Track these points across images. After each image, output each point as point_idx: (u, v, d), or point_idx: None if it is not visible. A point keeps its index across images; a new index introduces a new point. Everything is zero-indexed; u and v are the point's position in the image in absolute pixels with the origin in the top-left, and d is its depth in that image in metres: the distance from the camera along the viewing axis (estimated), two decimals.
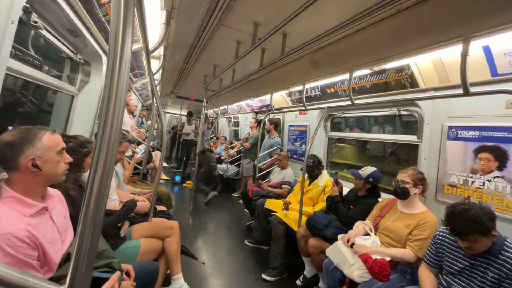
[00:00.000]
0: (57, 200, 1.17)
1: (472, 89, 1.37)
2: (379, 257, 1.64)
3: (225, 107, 6.16)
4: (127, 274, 1.27)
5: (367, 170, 2.18)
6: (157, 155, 3.94)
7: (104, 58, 2.32)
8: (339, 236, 1.91)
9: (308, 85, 3.04)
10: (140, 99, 5.71)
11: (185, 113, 9.88)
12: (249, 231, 3.45)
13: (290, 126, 4.09)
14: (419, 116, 2.17)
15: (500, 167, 1.66)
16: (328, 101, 3.01)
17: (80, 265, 0.44)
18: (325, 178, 2.84)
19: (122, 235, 1.63)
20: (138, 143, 4.10)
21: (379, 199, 2.17)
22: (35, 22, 1.42)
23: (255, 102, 5.01)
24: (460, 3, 1.20)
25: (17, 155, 0.96)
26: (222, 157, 5.96)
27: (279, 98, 3.95)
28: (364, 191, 2.23)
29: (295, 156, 3.89)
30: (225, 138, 6.78)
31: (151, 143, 4.75)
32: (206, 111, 8.39)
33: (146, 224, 1.85)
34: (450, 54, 1.71)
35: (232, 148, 6.00)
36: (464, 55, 1.30)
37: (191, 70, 3.67)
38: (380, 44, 1.63)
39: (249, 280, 2.37)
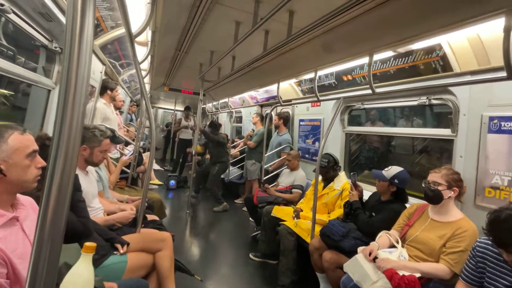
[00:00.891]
0: (29, 209, 1.17)
1: None
2: (407, 273, 1.61)
3: (225, 100, 6.18)
4: None
5: (392, 170, 2.15)
6: (148, 157, 3.96)
7: None
8: (359, 249, 1.89)
9: (321, 72, 3.02)
10: (128, 93, 5.76)
11: (181, 108, 9.93)
12: (255, 243, 3.45)
13: (300, 120, 4.08)
14: (453, 106, 2.13)
15: None
16: (344, 90, 2.98)
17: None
18: (342, 180, 2.82)
19: (118, 254, 1.64)
20: (127, 143, 4.13)
21: (407, 205, 2.13)
22: (1, 5, 1.42)
23: (260, 94, 5.00)
24: None
25: None
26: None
27: (288, 88, 3.93)
28: (388, 195, 2.20)
29: (307, 156, 3.88)
30: (226, 136, 6.78)
31: (142, 143, 4.80)
32: (204, 105, 8.45)
33: (134, 236, 1.85)
34: (491, 30, 1.65)
35: (234, 147, 6.00)
36: (508, 30, 1.24)
37: (184, 58, 3.67)
38: (405, 21, 1.59)
39: None
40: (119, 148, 3.67)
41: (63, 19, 1.82)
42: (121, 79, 4.23)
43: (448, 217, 1.75)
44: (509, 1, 1.19)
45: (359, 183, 2.44)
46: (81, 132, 0.46)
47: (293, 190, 3.44)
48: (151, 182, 4.84)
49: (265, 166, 4.02)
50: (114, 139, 2.53)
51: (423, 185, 1.82)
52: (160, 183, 5.66)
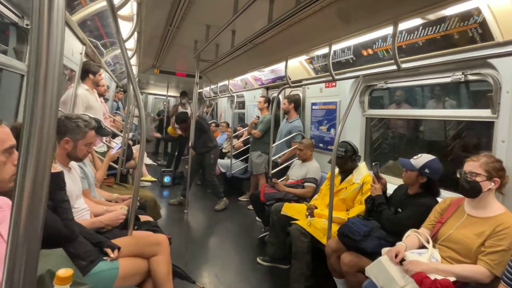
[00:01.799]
0: (6, 211, 1.18)
1: None
2: (439, 277, 1.61)
3: (225, 82, 6.17)
4: None
5: (422, 158, 2.13)
6: (138, 150, 4.00)
7: None
8: (384, 250, 1.89)
9: (337, 46, 2.98)
10: (113, 77, 5.77)
11: (174, 94, 9.91)
12: (263, 245, 3.47)
13: (313, 104, 4.06)
14: (494, 82, 2.08)
15: None
16: (364, 67, 2.95)
17: None
18: (362, 173, 2.81)
19: (108, 259, 1.66)
20: (114, 135, 4.16)
21: (439, 199, 2.12)
22: None
23: (265, 74, 4.98)
24: None
25: None
26: (224, 150, 5.98)
27: (297, 66, 3.90)
28: (417, 188, 2.18)
29: (321, 145, 3.87)
30: (227, 125, 6.78)
31: (131, 134, 4.82)
32: (200, 89, 8.43)
33: (125, 239, 1.87)
34: None
35: (237, 137, 5.99)
36: None
37: (176, 35, 3.65)
38: None
39: None
40: (106, 141, 3.69)
41: None
42: (105, 61, 4.23)
43: (487, 212, 1.74)
44: None
45: (382, 175, 2.43)
46: (55, 121, 0.45)
47: (306, 184, 3.45)
48: (142, 178, 4.89)
49: (273, 158, 4.02)
50: (100, 130, 2.55)
51: (457, 175, 1.80)
52: (154, 179, 5.72)
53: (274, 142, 4.13)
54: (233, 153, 5.43)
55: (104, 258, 1.67)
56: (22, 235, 0.43)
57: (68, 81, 3.22)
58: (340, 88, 3.54)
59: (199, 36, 3.58)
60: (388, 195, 2.40)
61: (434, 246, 1.84)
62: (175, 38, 3.79)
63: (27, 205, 0.44)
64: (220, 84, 6.58)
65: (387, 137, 3.43)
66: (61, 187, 1.53)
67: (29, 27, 2.07)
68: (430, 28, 2.20)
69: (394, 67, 2.06)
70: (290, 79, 3.53)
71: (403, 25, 2.23)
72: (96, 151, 3.20)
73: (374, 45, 2.71)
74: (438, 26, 2.14)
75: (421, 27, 2.25)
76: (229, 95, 6.49)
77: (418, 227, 1.99)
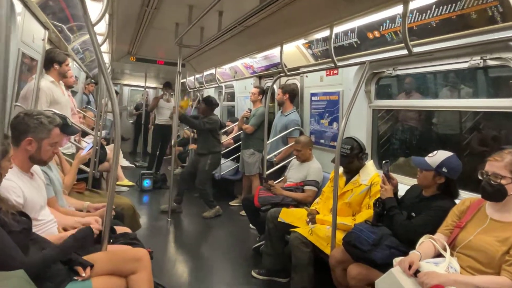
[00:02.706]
0: None
1: None
2: None
3: (212, 71, 6.13)
4: None
5: (438, 155, 2.13)
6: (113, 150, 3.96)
7: (18, 5, 2.23)
8: (396, 260, 1.88)
9: (339, 28, 2.95)
10: (82, 67, 5.68)
11: (153, 85, 9.83)
12: (258, 256, 3.45)
13: (312, 94, 4.06)
14: None
15: None
16: (370, 52, 2.95)
17: None
18: (370, 172, 2.81)
19: (78, 279, 1.63)
20: (84, 134, 4.09)
21: (457, 201, 2.12)
22: None
23: (258, 61, 4.95)
24: None
25: None
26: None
27: (294, 52, 3.89)
28: (433, 189, 2.19)
29: (322, 141, 3.87)
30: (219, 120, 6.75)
31: (104, 132, 4.75)
32: (183, 79, 8.37)
33: (99, 255, 1.83)
34: None
35: (226, 134, 5.96)
36: None
37: (154, 17, 3.62)
38: None
39: None
40: (75, 141, 3.63)
41: None
42: (72, 48, 4.14)
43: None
44: None
45: (392, 175, 2.42)
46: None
47: (306, 187, 3.44)
48: (118, 183, 4.83)
49: (268, 157, 4.00)
50: (67, 128, 2.50)
51: (479, 177, 1.79)
52: (131, 183, 5.67)
53: (268, 138, 4.11)
54: (222, 152, 5.38)
55: (75, 278, 1.63)
56: None
57: (28, 72, 3.14)
58: (343, 76, 3.53)
59: (181, 18, 3.55)
60: (399, 198, 2.40)
61: (452, 255, 1.83)
62: (153, 20, 3.75)
63: None
64: (206, 73, 6.54)
65: (397, 131, 3.44)
66: None
67: None
68: (445, 7, 2.19)
69: (405, 51, 2.06)
70: (286, 66, 3.52)
71: (414, 4, 2.21)
72: (63, 153, 3.13)
73: (381, 27, 2.70)
74: (454, 4, 2.13)
75: (434, 6, 2.24)
76: (217, 85, 6.47)
77: (433, 232, 1.98)
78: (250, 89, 5.27)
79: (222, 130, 5.56)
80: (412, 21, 2.41)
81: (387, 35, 2.70)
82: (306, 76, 4.16)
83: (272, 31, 3.39)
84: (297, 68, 4.11)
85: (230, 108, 7.36)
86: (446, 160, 2.10)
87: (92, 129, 4.16)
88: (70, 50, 4.13)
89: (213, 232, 4.30)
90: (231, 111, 7.17)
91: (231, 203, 5.33)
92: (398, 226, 2.15)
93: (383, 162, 2.44)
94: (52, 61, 3.21)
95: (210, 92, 7.92)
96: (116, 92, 8.32)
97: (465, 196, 2.25)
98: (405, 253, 1.93)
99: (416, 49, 2.12)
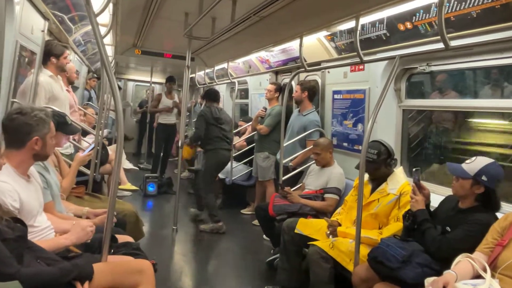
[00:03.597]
0: None
1: None
2: None
3: (224, 66, 6.17)
4: None
5: (477, 162, 2.09)
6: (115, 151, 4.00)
7: None
8: (428, 281, 1.85)
9: (366, 19, 2.94)
10: (84, 60, 5.79)
11: (160, 80, 9.90)
12: (272, 271, 3.44)
13: (335, 92, 4.05)
14: None
15: None
16: (401, 45, 2.94)
17: None
18: (399, 181, 2.78)
19: None
20: (85, 133, 4.15)
21: (499, 215, 2.08)
22: None
23: (274, 55, 4.97)
24: None
25: None
26: None
27: (315, 45, 3.89)
28: (471, 200, 2.14)
29: (345, 144, 3.86)
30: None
31: (106, 131, 4.82)
32: (193, 74, 8.42)
33: (98, 267, 1.82)
34: None
35: (238, 135, 5.97)
36: None
37: (162, 6, 3.66)
38: None
39: None
40: (74, 140, 3.68)
41: None
42: (73, 39, 4.23)
43: None
44: None
45: (424, 184, 2.38)
46: None
47: (326, 196, 3.42)
48: (121, 187, 4.88)
49: (284, 161, 3.99)
50: (66, 127, 2.53)
51: None
52: (135, 188, 5.70)
53: (285, 140, 4.10)
54: (233, 155, 5.39)
55: None
56: None
57: (27, 66, 3.21)
58: (370, 72, 3.52)
59: (191, 8, 3.57)
60: (432, 210, 2.37)
61: (493, 276, 1.80)
62: (161, 10, 3.79)
63: None
64: (217, 67, 6.57)
65: (430, 134, 3.42)
66: None
67: None
68: None
69: (441, 45, 2.03)
70: (305, 61, 3.51)
71: None
72: (61, 153, 3.17)
73: (414, 18, 2.68)
74: None
75: None
76: (229, 81, 6.49)
77: (472, 251, 1.95)
78: (266, 86, 5.27)
79: (235, 131, 5.57)
80: (449, 11, 2.39)
81: (421, 27, 2.69)
82: (328, 72, 4.16)
83: (290, 22, 3.39)
84: (318, 63, 4.10)
85: (244, 107, 7.38)
86: (486, 167, 2.06)
87: (93, 127, 4.23)
88: (71, 42, 4.21)
89: (222, 242, 4.30)
90: (245, 109, 7.19)
91: (243, 211, 5.34)
92: (431, 241, 2.12)
93: (414, 169, 2.42)
94: (49, 54, 3.26)
95: (221, 88, 7.97)
96: (119, 88, 8.46)
97: (508, 210, 2.20)
98: (438, 273, 1.91)
99: (453, 43, 2.09)
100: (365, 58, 2.80)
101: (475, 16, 2.30)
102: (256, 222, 4.45)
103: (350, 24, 2.97)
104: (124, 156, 5.29)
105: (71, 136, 3.35)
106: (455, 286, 1.74)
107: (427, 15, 2.59)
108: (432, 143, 3.41)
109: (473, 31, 2.35)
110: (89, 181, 3.49)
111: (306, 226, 2.97)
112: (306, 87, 4.25)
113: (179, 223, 4.54)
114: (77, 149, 3.59)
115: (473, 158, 2.14)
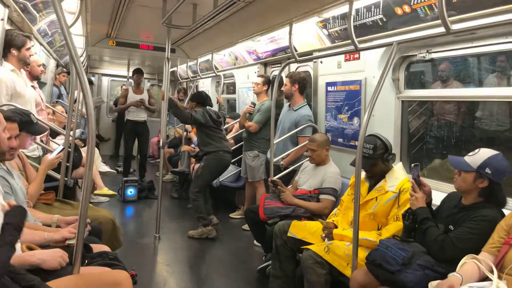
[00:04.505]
0: None
1: None
2: None
3: (208, 57, 6.15)
4: None
5: (481, 154, 2.11)
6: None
7: None
8: (432, 285, 1.88)
9: (359, 3, 2.97)
10: (51, 53, 5.70)
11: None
12: (264, 279, 3.44)
13: (328, 84, 4.07)
14: None
15: None
16: (399, 30, 2.95)
17: None
18: (398, 177, 2.79)
19: None
20: (54, 133, 4.10)
21: (505, 211, 2.10)
22: None
23: (263, 45, 4.97)
24: None
25: None
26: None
27: (306, 33, 3.89)
28: (474, 196, 2.15)
29: (340, 140, 3.87)
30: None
31: (79, 131, 4.77)
32: (174, 68, 8.38)
33: (70, 280, 1.82)
34: None
35: (225, 132, 5.95)
36: None
37: None
38: None
39: None
40: (42, 141, 3.64)
41: None
42: (38, 29, 4.15)
43: None
44: None
45: (424, 180, 2.40)
46: None
47: (322, 196, 3.43)
48: (97, 192, 4.83)
49: (275, 159, 3.99)
50: (31, 126, 2.50)
51: None
52: (112, 193, 5.64)
53: (275, 137, 4.11)
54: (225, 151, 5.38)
55: None
56: None
57: None
58: (366, 61, 3.54)
59: None
60: (434, 208, 2.38)
61: (500, 278, 1.81)
62: None
63: None
64: (200, 60, 6.54)
65: (431, 128, 3.43)
66: None
67: None
68: None
69: (441, 29, 2.05)
70: (296, 50, 3.53)
71: None
72: (27, 156, 3.13)
73: (412, 0, 2.67)
74: None
75: None
76: (214, 75, 6.48)
77: (478, 251, 1.97)
78: (254, 79, 5.27)
79: (224, 126, 5.55)
80: None
81: (420, 10, 2.68)
82: (321, 62, 4.17)
83: (279, 7, 3.38)
84: (310, 53, 4.12)
85: (231, 102, 7.36)
86: (490, 159, 2.08)
87: (64, 127, 4.18)
88: (36, 32, 4.13)
89: (210, 250, 4.29)
90: (232, 105, 7.18)
91: (232, 215, 5.35)
92: (433, 241, 2.12)
93: (412, 165, 2.43)
94: (9, 45, 3.18)
95: (206, 82, 7.95)
96: (90, 82, 8.35)
97: None
98: (442, 275, 1.93)
99: (455, 26, 2.09)
100: (360, 46, 2.81)
101: None
102: (246, 226, 4.48)
103: (344, 9, 2.98)
104: (99, 158, 5.24)
105: (37, 137, 3.31)
106: None
107: None
108: (433, 137, 3.40)
109: (476, 14, 2.34)
110: (60, 187, 3.45)
111: (299, 229, 2.98)
112: (295, 79, 4.23)
113: (162, 230, 4.52)
114: (45, 151, 3.55)
115: (476, 150, 2.15)
